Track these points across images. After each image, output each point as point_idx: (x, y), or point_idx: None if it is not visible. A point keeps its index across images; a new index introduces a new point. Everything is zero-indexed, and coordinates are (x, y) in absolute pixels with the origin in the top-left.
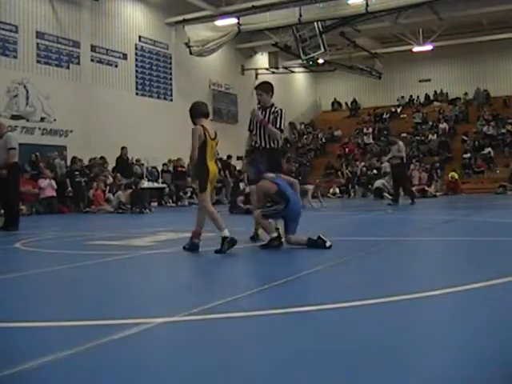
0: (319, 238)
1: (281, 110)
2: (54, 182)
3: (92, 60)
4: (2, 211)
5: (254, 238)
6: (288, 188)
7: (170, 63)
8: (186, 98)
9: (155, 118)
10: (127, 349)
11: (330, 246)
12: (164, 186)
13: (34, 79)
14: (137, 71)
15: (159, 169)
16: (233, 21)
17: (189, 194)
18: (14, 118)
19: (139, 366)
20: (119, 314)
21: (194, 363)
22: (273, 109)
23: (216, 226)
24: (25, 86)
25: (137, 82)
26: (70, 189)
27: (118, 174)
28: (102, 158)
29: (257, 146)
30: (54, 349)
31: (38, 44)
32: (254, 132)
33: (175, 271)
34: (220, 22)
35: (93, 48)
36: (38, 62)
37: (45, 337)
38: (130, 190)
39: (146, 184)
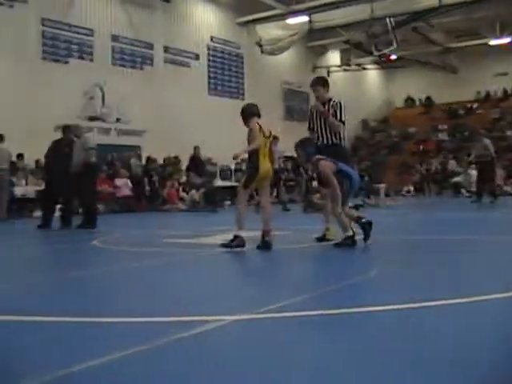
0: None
1: (340, 103)
2: (129, 182)
3: (165, 61)
4: (80, 210)
5: (322, 238)
6: (342, 164)
7: (242, 63)
8: (257, 97)
9: (228, 117)
10: (197, 346)
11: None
12: (237, 184)
13: (110, 81)
14: (209, 71)
15: (232, 167)
16: (304, 19)
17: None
18: (90, 119)
19: (208, 364)
20: (190, 312)
21: (262, 362)
22: (331, 102)
23: (237, 224)
24: (101, 88)
25: (209, 82)
26: (148, 187)
27: (192, 173)
28: (175, 157)
29: (319, 143)
30: (127, 344)
31: (113, 47)
32: (315, 129)
33: (246, 269)
34: (291, 21)
35: (166, 49)
36: (113, 64)
37: (118, 332)
38: (204, 189)
39: (219, 183)
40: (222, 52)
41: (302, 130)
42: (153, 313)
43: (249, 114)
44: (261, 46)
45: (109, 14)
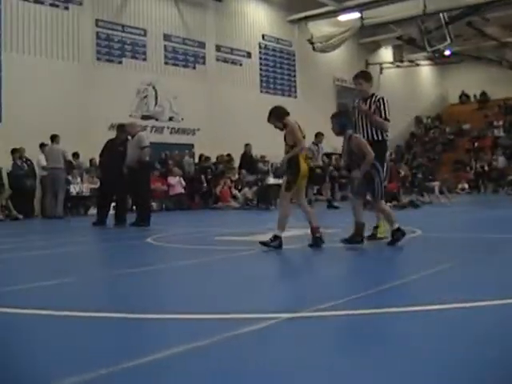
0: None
1: (383, 99)
2: (182, 180)
3: (217, 59)
4: (134, 208)
5: (374, 236)
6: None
7: (294, 60)
8: (310, 95)
9: None
10: (252, 343)
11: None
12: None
13: (162, 80)
14: (261, 69)
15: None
16: (356, 15)
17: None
18: (144, 118)
19: (261, 362)
20: (246, 309)
21: (317, 360)
22: (374, 98)
23: (279, 224)
24: (154, 87)
25: (261, 80)
26: (204, 185)
27: (243, 171)
28: (228, 155)
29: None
30: (184, 341)
31: (165, 46)
32: (357, 126)
33: (300, 267)
34: (343, 17)
35: (218, 48)
36: (165, 63)
37: (175, 329)
38: (256, 187)
39: (271, 181)
40: (274, 50)
41: None
42: (206, 310)
43: (282, 113)
44: (312, 43)
45: (161, 14)
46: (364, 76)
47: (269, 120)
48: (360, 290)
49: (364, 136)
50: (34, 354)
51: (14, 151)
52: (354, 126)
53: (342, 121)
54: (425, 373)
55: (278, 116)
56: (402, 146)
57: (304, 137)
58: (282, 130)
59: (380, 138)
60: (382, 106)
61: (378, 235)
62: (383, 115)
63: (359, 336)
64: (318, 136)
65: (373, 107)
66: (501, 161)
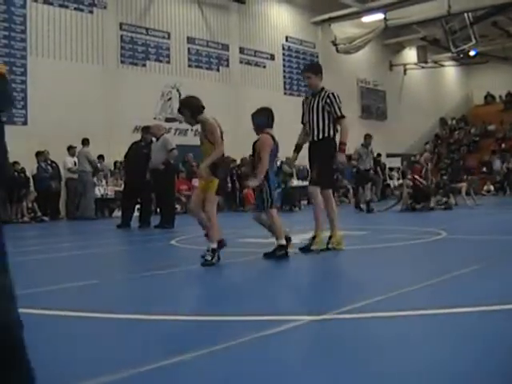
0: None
1: (333, 94)
2: None
3: (241, 62)
4: (158, 210)
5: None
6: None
7: (317, 62)
8: None
9: None
10: (276, 345)
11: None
12: None
13: (186, 82)
14: (284, 71)
15: (308, 167)
16: (379, 16)
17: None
18: (168, 120)
19: (284, 363)
20: (269, 311)
21: (340, 362)
22: (323, 94)
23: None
24: (177, 90)
25: (284, 82)
26: (229, 185)
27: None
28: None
29: (309, 139)
30: (208, 342)
31: (189, 49)
32: (306, 123)
33: (327, 269)
34: (366, 19)
35: (241, 50)
36: (189, 66)
37: (199, 330)
38: (280, 189)
39: (295, 183)
40: (297, 52)
41: (379, 129)
42: (230, 312)
43: (199, 107)
44: (336, 44)
45: (184, 17)
46: (312, 69)
47: (180, 111)
48: (382, 293)
49: (314, 133)
50: (58, 355)
51: (38, 154)
52: (308, 121)
53: (259, 120)
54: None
55: (193, 110)
56: (431, 146)
57: (222, 134)
58: (192, 125)
59: (332, 134)
60: (332, 103)
61: (312, 247)
62: (336, 112)
63: (382, 339)
64: (367, 138)
65: (321, 103)
66: None
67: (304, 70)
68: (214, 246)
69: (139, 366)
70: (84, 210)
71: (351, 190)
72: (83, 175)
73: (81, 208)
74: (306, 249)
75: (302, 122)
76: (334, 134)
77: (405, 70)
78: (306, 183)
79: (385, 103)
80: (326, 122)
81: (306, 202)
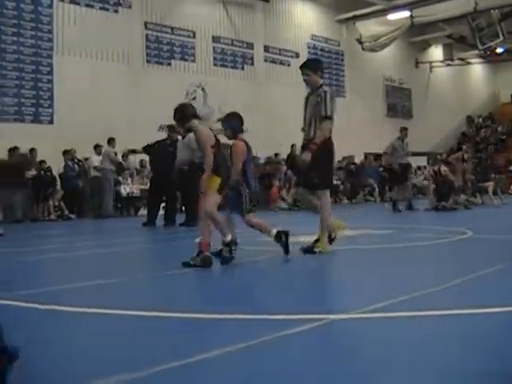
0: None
1: (325, 92)
2: None
3: (265, 60)
4: (183, 208)
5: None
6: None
7: (342, 60)
8: (359, 95)
9: None
10: (299, 344)
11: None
12: (338, 183)
13: (211, 81)
14: None
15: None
16: (405, 14)
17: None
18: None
19: (307, 363)
20: (294, 309)
21: (358, 363)
22: (319, 90)
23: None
24: (202, 89)
25: None
26: (254, 185)
27: (289, 172)
28: (276, 155)
29: (306, 138)
30: (232, 341)
31: (214, 47)
32: (305, 123)
33: (352, 268)
34: (392, 16)
35: (266, 48)
36: (214, 64)
37: (223, 328)
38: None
39: None
40: (322, 50)
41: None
42: (255, 310)
43: (189, 114)
44: (361, 42)
45: (209, 16)
46: (310, 66)
47: (174, 118)
48: (406, 293)
49: (309, 131)
50: (86, 352)
51: (65, 152)
52: (304, 119)
53: (233, 124)
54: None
55: (181, 116)
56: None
57: (215, 145)
58: (182, 134)
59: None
60: (323, 101)
61: (315, 249)
62: (322, 111)
63: (407, 339)
64: (403, 130)
65: (315, 101)
66: None
67: (302, 67)
68: (228, 238)
69: (160, 364)
70: (103, 208)
71: (377, 189)
72: (104, 173)
73: (102, 206)
74: (308, 250)
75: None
76: (330, 134)
77: (431, 68)
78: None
79: (410, 101)
80: (318, 120)
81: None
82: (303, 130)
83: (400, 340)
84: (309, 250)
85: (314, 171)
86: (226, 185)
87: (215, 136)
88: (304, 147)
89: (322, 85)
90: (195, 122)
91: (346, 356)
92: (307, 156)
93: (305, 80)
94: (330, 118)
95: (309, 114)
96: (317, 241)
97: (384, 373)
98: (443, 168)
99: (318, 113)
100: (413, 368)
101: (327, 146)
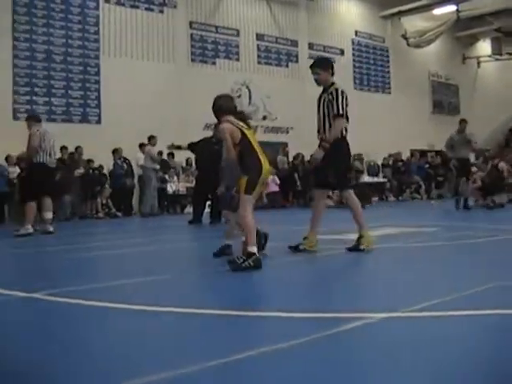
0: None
1: (336, 90)
2: (277, 178)
3: (310, 57)
4: None
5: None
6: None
7: (387, 56)
8: (404, 91)
9: (374, 111)
10: (346, 343)
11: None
12: (384, 180)
13: (256, 79)
14: (354, 66)
15: (379, 163)
16: (451, 8)
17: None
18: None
19: (354, 362)
20: (342, 308)
21: (406, 363)
22: (330, 89)
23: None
24: (247, 87)
25: (354, 77)
26: (298, 183)
27: None
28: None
29: (320, 137)
30: (278, 339)
31: (258, 45)
32: (318, 123)
33: (396, 266)
34: (437, 11)
35: (310, 46)
36: (258, 62)
37: (269, 327)
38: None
39: (366, 179)
40: (367, 46)
41: (452, 124)
42: (301, 308)
43: (224, 109)
44: (406, 38)
45: (253, 14)
46: (320, 65)
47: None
48: (456, 291)
49: (321, 130)
50: (130, 349)
51: (114, 151)
52: (318, 118)
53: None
54: None
55: (215, 109)
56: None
57: (240, 143)
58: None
59: (339, 135)
60: (335, 99)
61: (361, 247)
62: (335, 109)
63: (457, 338)
64: (462, 123)
65: (327, 99)
66: None
67: (312, 66)
68: (253, 249)
69: (204, 361)
70: (144, 206)
71: (423, 186)
72: (145, 172)
73: (142, 204)
74: (354, 248)
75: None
76: (344, 133)
77: (478, 63)
78: (376, 179)
79: (457, 97)
80: (332, 119)
81: (376, 199)
82: (318, 132)
83: (452, 339)
84: (354, 248)
85: (330, 170)
86: (253, 184)
87: (243, 133)
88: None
89: (333, 83)
90: (225, 118)
91: (393, 356)
92: (319, 154)
93: (315, 79)
94: (342, 116)
95: (321, 114)
96: (360, 238)
97: (433, 373)
98: (502, 164)
99: (330, 111)
100: (464, 368)
101: (342, 146)
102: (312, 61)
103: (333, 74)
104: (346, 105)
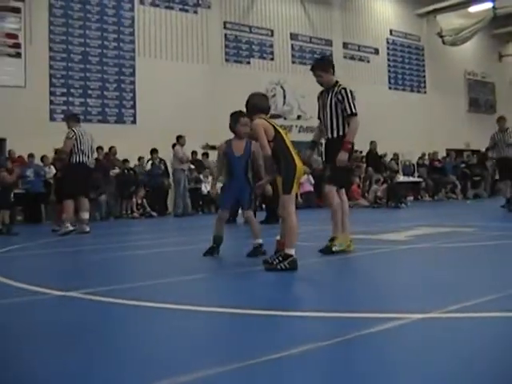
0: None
1: (345, 89)
2: (311, 178)
3: (344, 57)
4: (264, 206)
5: (329, 249)
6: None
7: (423, 55)
8: (440, 90)
9: (409, 111)
10: (380, 343)
11: None
12: (420, 179)
13: (290, 79)
14: (389, 65)
15: (414, 162)
16: (487, 5)
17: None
18: (272, 117)
19: (386, 362)
20: (375, 308)
21: (442, 364)
22: (336, 89)
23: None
24: (281, 86)
25: (389, 76)
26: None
27: (370, 169)
28: (356, 152)
29: (325, 138)
30: (311, 339)
31: (292, 45)
32: (321, 119)
33: (432, 266)
34: (473, 8)
35: (345, 45)
36: (292, 62)
37: (302, 326)
38: (386, 185)
39: (401, 178)
40: (402, 45)
41: (488, 123)
42: (336, 308)
43: (257, 109)
44: (442, 36)
45: (287, 14)
46: (322, 67)
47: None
48: (491, 292)
49: (328, 130)
50: (156, 349)
51: (153, 151)
52: (322, 118)
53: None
54: None
55: (247, 108)
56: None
57: (274, 139)
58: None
59: (342, 133)
60: (345, 99)
61: (334, 248)
62: (348, 109)
63: (490, 339)
64: (500, 121)
65: (334, 100)
66: None
67: (313, 69)
68: (290, 252)
69: (240, 360)
70: (176, 206)
71: (459, 186)
72: (175, 172)
73: (175, 204)
74: (326, 250)
75: (318, 118)
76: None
77: None
78: (411, 179)
79: (494, 96)
80: (340, 119)
81: (411, 198)
82: (320, 126)
83: (490, 341)
84: (326, 250)
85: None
86: (290, 183)
87: (276, 130)
88: (327, 148)
89: (337, 82)
90: (256, 120)
91: (427, 357)
92: (344, 156)
93: (318, 81)
94: (356, 115)
95: (328, 115)
96: (333, 239)
97: (465, 375)
98: None
99: (340, 112)
100: (496, 369)
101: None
102: (347, 61)
103: (333, 73)
104: (354, 103)
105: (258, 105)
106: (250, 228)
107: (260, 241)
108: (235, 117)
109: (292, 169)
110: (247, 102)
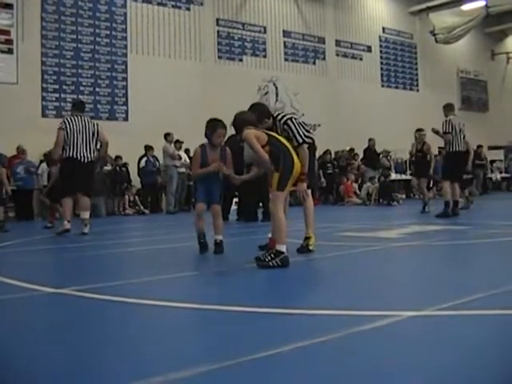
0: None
1: (291, 119)
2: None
3: (337, 54)
4: (261, 204)
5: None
6: None
7: (415, 53)
8: (432, 88)
9: (401, 109)
10: (371, 341)
11: None
12: (411, 177)
13: (283, 76)
14: (381, 63)
15: (406, 160)
16: (480, 3)
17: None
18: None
19: (378, 360)
20: (367, 305)
21: (435, 362)
22: (281, 118)
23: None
24: (274, 84)
25: (382, 74)
26: (323, 180)
27: (363, 166)
28: (350, 149)
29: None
30: (303, 336)
31: (285, 42)
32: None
33: (424, 264)
34: (466, 7)
35: (337, 43)
36: (285, 59)
37: (296, 323)
38: (378, 183)
39: (393, 176)
40: (395, 43)
41: (480, 121)
42: (329, 306)
43: (247, 122)
44: (435, 34)
45: (280, 11)
46: (262, 115)
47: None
48: (483, 290)
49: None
50: (157, 345)
51: (147, 148)
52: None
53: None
54: None
55: (236, 128)
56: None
57: (268, 142)
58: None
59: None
60: (292, 128)
61: (311, 247)
62: (298, 140)
63: (483, 338)
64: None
65: (281, 128)
66: None
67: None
68: (282, 249)
69: (232, 357)
70: (168, 203)
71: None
72: (166, 169)
73: (167, 201)
74: (302, 250)
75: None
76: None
77: (508, 59)
78: (404, 177)
79: (486, 94)
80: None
81: (404, 196)
82: None
83: (480, 339)
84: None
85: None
86: (286, 181)
87: (268, 134)
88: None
89: (278, 115)
90: (245, 131)
91: (420, 355)
92: (303, 186)
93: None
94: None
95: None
96: (308, 238)
97: (461, 373)
98: None
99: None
100: (492, 367)
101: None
102: (339, 59)
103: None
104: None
105: (245, 120)
106: (213, 222)
107: (220, 237)
108: (212, 126)
109: (290, 167)
110: (234, 119)
